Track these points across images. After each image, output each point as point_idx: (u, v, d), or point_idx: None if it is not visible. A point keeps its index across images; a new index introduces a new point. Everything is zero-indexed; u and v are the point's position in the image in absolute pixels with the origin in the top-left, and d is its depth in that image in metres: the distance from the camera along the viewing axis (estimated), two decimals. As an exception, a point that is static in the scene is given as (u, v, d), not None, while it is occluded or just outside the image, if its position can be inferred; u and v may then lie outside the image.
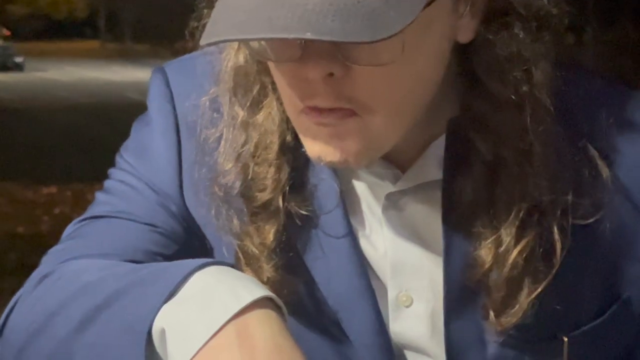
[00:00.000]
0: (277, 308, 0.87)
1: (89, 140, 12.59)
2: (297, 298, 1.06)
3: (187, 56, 1.13)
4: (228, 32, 0.85)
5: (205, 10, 0.99)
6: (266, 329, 0.84)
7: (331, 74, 0.90)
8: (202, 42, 0.86)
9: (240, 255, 1.05)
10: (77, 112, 17.27)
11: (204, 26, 0.90)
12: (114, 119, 14.97)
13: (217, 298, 0.85)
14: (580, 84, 1.04)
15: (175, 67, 1.14)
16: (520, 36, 0.95)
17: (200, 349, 0.83)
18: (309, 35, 0.81)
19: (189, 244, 1.09)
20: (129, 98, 18.85)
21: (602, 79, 1.07)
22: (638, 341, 1.10)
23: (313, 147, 0.95)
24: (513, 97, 0.96)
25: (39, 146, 11.76)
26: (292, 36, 0.82)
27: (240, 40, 0.96)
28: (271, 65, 0.97)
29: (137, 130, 1.13)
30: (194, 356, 0.83)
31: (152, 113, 1.11)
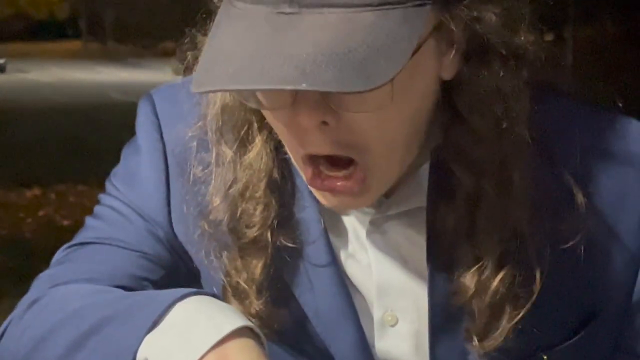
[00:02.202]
0: (256, 337, 0.90)
1: (72, 141, 12.51)
2: (285, 327, 1.09)
3: (175, 84, 1.14)
4: (222, 81, 0.86)
5: (189, 54, 1.02)
6: (245, 358, 0.86)
7: (325, 123, 0.92)
8: (195, 90, 0.88)
9: (229, 288, 1.07)
10: (59, 112, 17.14)
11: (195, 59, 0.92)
12: (97, 120, 14.88)
13: (197, 328, 0.88)
14: (555, 111, 1.06)
15: (163, 94, 1.15)
16: (500, 74, 0.98)
17: None
18: (304, 87, 0.83)
19: (176, 269, 1.12)
20: (111, 98, 18.74)
21: (577, 104, 1.09)
22: (614, 353, 1.13)
23: (324, 199, 1.00)
24: (492, 131, 0.98)
25: (21, 148, 11.68)
26: (288, 87, 0.84)
27: (236, 91, 0.97)
28: (267, 114, 0.99)
29: (126, 157, 1.15)
30: None
31: (140, 141, 1.13)
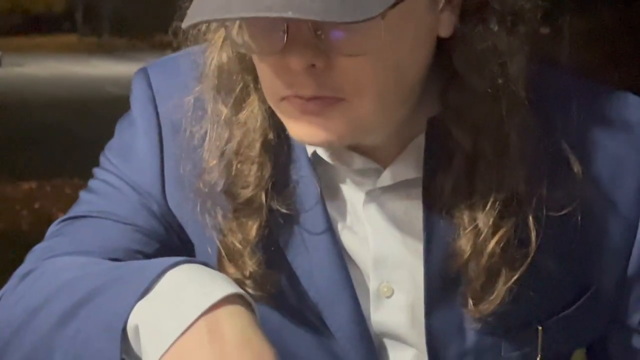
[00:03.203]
0: (247, 304, 0.89)
1: (68, 134, 12.52)
2: (280, 292, 1.09)
3: (170, 56, 1.15)
4: (210, 12, 0.87)
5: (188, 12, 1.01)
6: (236, 324, 0.86)
7: (313, 65, 0.92)
8: (185, 24, 0.89)
9: (223, 251, 1.07)
10: (55, 106, 17.15)
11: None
12: (93, 113, 14.87)
13: (188, 295, 0.87)
14: (553, 79, 1.07)
15: (157, 67, 1.15)
16: (496, 30, 0.98)
17: (172, 344, 0.85)
18: (290, 14, 0.83)
19: (169, 242, 1.11)
20: (107, 92, 18.72)
21: (574, 76, 1.10)
22: (609, 329, 1.13)
23: (297, 129, 0.98)
24: (490, 88, 0.98)
25: (17, 141, 11.69)
26: (273, 15, 0.83)
27: (221, 20, 0.97)
28: (255, 58, 0.98)
29: (121, 130, 1.15)
30: (166, 352, 0.85)
31: (134, 114, 1.13)
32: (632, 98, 1.10)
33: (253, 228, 1.07)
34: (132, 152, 1.13)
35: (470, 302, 1.05)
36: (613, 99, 1.09)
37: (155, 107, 1.12)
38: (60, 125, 13.96)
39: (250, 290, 1.06)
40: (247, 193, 1.06)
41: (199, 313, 0.86)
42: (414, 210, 1.07)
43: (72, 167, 8.60)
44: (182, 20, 0.98)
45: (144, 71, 1.15)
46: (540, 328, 1.08)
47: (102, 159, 1.15)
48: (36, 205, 7.68)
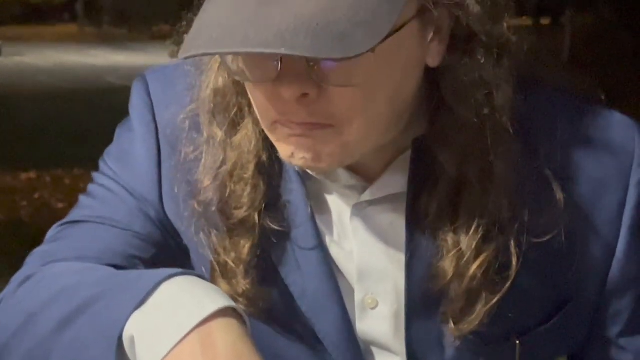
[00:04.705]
0: (239, 317, 0.91)
1: (68, 124, 12.51)
2: (272, 307, 1.11)
3: (168, 66, 1.17)
4: (206, 46, 0.89)
5: (185, 36, 1.03)
6: (228, 337, 0.87)
7: (305, 95, 0.93)
8: (181, 55, 0.91)
9: (217, 267, 1.09)
10: (55, 96, 17.13)
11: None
12: (93, 103, 14.86)
13: (182, 307, 0.89)
14: (539, 103, 1.08)
15: (156, 76, 1.17)
16: (482, 62, 1.00)
17: (166, 355, 0.87)
18: (283, 51, 0.85)
19: (167, 248, 1.13)
20: (108, 82, 18.70)
21: (560, 94, 1.11)
22: (588, 340, 1.15)
23: (287, 151, 1.00)
24: (476, 118, 1.01)
25: (17, 131, 11.68)
26: (267, 51, 0.86)
27: (217, 54, 1.00)
28: (248, 85, 1.00)
29: (120, 136, 1.17)
30: None
31: (133, 121, 1.15)
32: (617, 117, 1.10)
33: (246, 247, 1.09)
34: (131, 158, 1.14)
35: (451, 321, 1.07)
36: (598, 118, 1.10)
37: (154, 115, 1.14)
38: (60, 116, 13.95)
39: (243, 307, 1.07)
40: (240, 214, 1.08)
41: (192, 325, 0.87)
42: (399, 224, 1.09)
43: (71, 157, 8.60)
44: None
45: (142, 79, 1.17)
46: (518, 342, 1.10)
47: (101, 164, 1.17)
48: (36, 196, 7.68)
